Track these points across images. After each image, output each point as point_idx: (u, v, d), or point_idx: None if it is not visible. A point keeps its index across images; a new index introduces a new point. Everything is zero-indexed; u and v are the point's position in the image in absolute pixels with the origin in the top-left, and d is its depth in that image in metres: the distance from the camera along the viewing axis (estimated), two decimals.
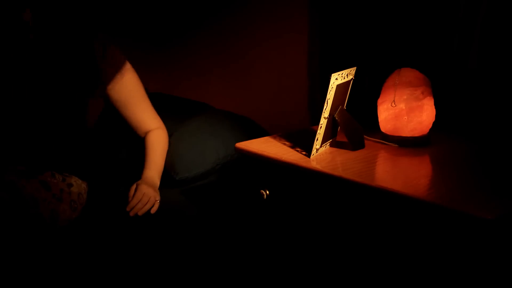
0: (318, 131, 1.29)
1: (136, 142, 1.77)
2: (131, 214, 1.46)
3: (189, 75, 2.49)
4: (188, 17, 2.44)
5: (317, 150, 1.32)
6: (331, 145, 1.41)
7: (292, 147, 1.38)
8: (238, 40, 2.25)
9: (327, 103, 1.28)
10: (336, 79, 1.28)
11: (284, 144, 1.41)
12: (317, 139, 1.30)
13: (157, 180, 1.60)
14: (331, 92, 1.27)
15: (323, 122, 1.30)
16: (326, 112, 1.29)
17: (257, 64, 2.20)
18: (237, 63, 2.28)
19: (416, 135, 1.39)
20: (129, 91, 1.68)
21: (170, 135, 1.79)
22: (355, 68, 1.40)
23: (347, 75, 1.35)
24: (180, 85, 2.50)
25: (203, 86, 2.40)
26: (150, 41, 2.63)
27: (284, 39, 2.07)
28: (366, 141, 1.40)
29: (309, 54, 1.99)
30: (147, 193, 1.50)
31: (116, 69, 1.64)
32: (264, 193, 1.36)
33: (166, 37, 2.55)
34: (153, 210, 1.50)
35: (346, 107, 1.41)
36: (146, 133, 1.70)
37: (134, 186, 1.53)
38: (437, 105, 1.42)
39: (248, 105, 2.17)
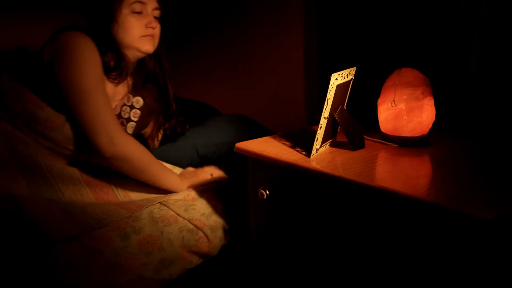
0: (318, 131, 1.29)
1: None
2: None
3: (191, 76, 2.49)
4: (191, 20, 2.45)
5: (317, 150, 1.32)
6: (331, 145, 1.41)
7: (292, 147, 1.38)
8: (238, 41, 2.26)
9: (327, 103, 1.28)
10: (336, 79, 1.28)
11: (284, 144, 1.41)
12: (317, 139, 1.30)
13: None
14: (331, 92, 1.27)
15: (323, 122, 1.29)
16: (326, 112, 1.29)
17: (258, 65, 2.20)
18: (238, 65, 2.28)
19: (416, 135, 1.39)
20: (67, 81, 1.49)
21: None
22: (355, 68, 1.40)
23: (347, 75, 1.35)
24: (182, 86, 2.50)
25: (204, 87, 2.41)
26: None
27: (284, 41, 2.07)
28: (366, 141, 1.40)
29: (310, 54, 1.99)
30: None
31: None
32: (264, 193, 1.36)
33: (169, 39, 2.56)
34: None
35: (346, 107, 1.41)
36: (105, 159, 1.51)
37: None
38: (437, 105, 1.42)
39: (249, 106, 2.17)
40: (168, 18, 2.49)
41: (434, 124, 1.41)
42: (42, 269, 1.32)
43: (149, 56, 1.73)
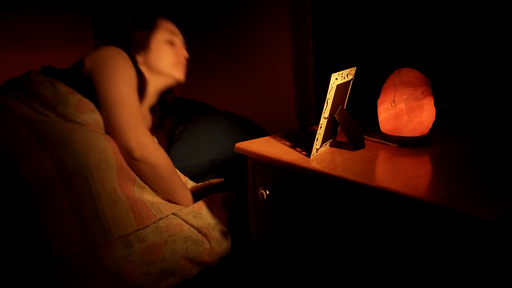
0: (318, 131, 1.29)
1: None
2: None
3: (189, 76, 2.49)
4: (190, 19, 2.45)
5: (317, 150, 1.32)
6: (331, 145, 1.41)
7: (292, 147, 1.38)
8: (237, 41, 2.26)
9: (327, 103, 1.28)
10: (336, 79, 1.28)
11: (284, 144, 1.41)
12: (317, 139, 1.30)
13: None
14: (331, 92, 1.27)
15: (323, 122, 1.29)
16: (326, 112, 1.29)
17: (256, 66, 2.20)
18: (236, 65, 2.28)
19: (416, 135, 1.39)
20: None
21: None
22: (355, 68, 1.40)
23: (347, 75, 1.35)
24: (181, 85, 2.50)
25: (203, 86, 2.41)
26: None
27: (284, 41, 2.07)
28: (366, 141, 1.40)
29: (304, 54, 1.98)
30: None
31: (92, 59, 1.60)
32: (264, 193, 1.36)
33: None
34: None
35: (346, 107, 1.41)
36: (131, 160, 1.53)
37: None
38: (437, 105, 1.42)
39: (247, 106, 2.17)
40: (168, 14, 2.51)
41: (434, 124, 1.41)
42: (43, 275, 1.32)
43: (172, 89, 1.81)
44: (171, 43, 1.71)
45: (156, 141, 1.62)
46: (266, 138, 1.47)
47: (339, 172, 1.21)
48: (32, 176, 1.36)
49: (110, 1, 2.76)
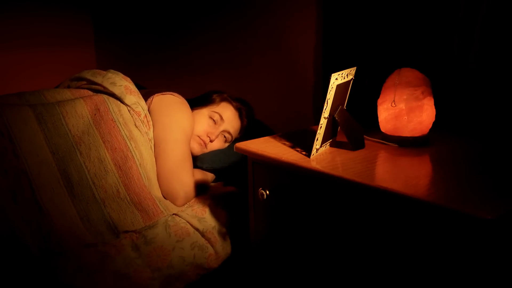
0: (318, 131, 1.29)
1: None
2: None
3: (191, 73, 2.48)
4: (192, 14, 2.44)
5: (317, 150, 1.32)
6: (331, 145, 1.41)
7: (292, 147, 1.38)
8: (240, 38, 2.25)
9: (327, 103, 1.28)
10: (336, 79, 1.28)
11: (284, 144, 1.41)
12: (317, 139, 1.30)
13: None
14: (331, 92, 1.27)
15: (323, 122, 1.30)
16: (326, 112, 1.29)
17: (259, 64, 2.19)
18: (239, 62, 2.27)
19: (416, 135, 1.39)
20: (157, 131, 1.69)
21: None
22: (355, 68, 1.40)
23: (347, 75, 1.35)
24: (182, 82, 2.50)
25: (204, 84, 2.40)
26: (153, 38, 2.63)
27: (287, 39, 2.06)
28: (366, 141, 1.40)
29: (317, 53, 1.98)
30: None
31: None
32: (264, 193, 1.36)
33: (169, 33, 2.55)
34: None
35: (346, 107, 1.41)
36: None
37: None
38: (437, 105, 1.42)
39: (254, 105, 2.15)
40: (170, 10, 2.50)
41: (434, 124, 1.41)
42: (53, 271, 1.33)
43: None
44: (213, 120, 1.81)
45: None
46: (266, 138, 1.47)
47: (339, 172, 1.21)
48: (42, 187, 1.45)
49: None
